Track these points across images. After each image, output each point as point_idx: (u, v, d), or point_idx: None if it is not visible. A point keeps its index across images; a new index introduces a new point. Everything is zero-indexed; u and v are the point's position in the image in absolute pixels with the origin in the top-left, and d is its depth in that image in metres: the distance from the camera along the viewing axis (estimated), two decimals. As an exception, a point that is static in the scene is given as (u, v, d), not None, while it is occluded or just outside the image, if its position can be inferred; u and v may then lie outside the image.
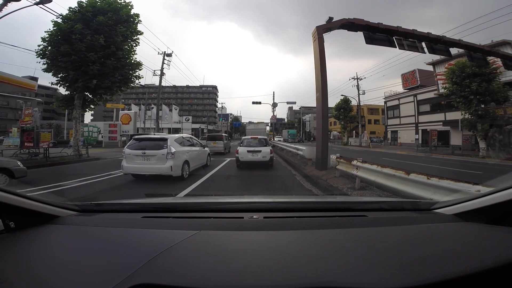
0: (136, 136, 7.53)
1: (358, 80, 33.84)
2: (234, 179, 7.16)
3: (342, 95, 37.95)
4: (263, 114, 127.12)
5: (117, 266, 0.73)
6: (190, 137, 8.85)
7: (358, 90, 33.78)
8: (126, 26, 12.26)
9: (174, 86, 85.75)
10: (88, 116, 72.41)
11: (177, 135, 7.83)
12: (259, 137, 10.65)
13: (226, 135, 19.41)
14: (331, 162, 7.23)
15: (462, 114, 17.85)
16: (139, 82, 13.95)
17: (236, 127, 65.40)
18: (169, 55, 22.56)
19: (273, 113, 37.26)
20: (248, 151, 9.00)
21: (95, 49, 11.30)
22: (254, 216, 1.15)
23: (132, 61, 12.91)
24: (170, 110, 40.71)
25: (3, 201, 0.90)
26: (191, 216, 1.24)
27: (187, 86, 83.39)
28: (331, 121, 64.09)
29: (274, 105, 35.68)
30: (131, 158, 6.55)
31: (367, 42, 9.39)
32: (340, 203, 1.64)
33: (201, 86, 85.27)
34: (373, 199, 2.49)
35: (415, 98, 31.79)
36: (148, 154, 6.44)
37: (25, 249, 0.86)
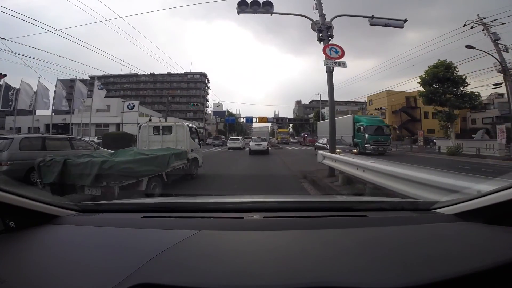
0: (231, 137, 31.62)
1: (488, 27, 15.20)
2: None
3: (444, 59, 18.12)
4: (262, 111, 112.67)
5: (117, 266, 0.72)
6: (243, 138, 31.15)
7: (497, 43, 15.40)
8: None
9: (153, 74, 66.72)
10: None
11: (240, 137, 31.15)
12: (261, 137, 24.21)
13: (251, 136, 36.15)
14: None
15: None
16: None
17: (230, 123, 49.08)
18: None
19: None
20: (255, 144, 18.16)
21: None
22: (254, 216, 1.13)
23: None
24: (90, 92, 21.68)
25: (3, 201, 0.89)
26: (191, 216, 1.21)
27: (169, 74, 64.17)
28: (380, 111, 37.49)
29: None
30: (229, 143, 25.11)
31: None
32: (340, 203, 1.61)
33: (186, 74, 66.07)
34: (373, 199, 2.29)
35: None
36: (235, 141, 25.20)
37: (25, 249, 0.86)
